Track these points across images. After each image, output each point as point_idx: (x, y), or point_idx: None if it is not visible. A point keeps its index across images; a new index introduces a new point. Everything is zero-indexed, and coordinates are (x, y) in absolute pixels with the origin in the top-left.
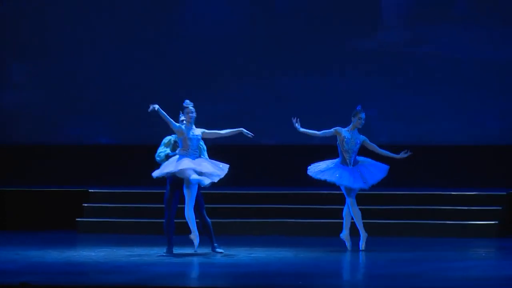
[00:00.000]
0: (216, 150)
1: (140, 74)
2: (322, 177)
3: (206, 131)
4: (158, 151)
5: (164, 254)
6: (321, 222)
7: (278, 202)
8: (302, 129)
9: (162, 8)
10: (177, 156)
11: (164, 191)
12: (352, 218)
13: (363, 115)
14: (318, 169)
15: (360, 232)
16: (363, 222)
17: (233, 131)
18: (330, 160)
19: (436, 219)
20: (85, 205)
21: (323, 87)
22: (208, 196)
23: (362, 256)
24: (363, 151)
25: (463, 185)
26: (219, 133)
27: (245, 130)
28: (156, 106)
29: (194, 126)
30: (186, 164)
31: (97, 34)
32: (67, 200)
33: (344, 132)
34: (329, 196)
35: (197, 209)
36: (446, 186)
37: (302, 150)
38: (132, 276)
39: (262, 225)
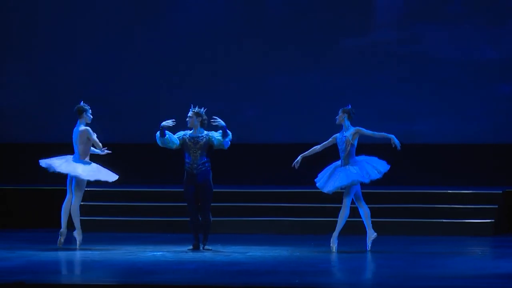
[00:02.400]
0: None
1: (135, 73)
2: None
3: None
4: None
5: (188, 250)
6: (317, 220)
7: (274, 200)
8: (300, 157)
9: (155, 7)
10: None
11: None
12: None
13: (339, 111)
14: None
15: (334, 233)
16: (353, 222)
17: None
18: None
19: (432, 218)
20: (81, 203)
21: (315, 85)
22: None
23: (357, 255)
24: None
25: (459, 184)
26: None
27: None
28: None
29: None
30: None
31: (91, 33)
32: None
33: (338, 134)
34: (325, 195)
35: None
36: (442, 184)
37: (297, 148)
38: (127, 274)
39: (258, 223)
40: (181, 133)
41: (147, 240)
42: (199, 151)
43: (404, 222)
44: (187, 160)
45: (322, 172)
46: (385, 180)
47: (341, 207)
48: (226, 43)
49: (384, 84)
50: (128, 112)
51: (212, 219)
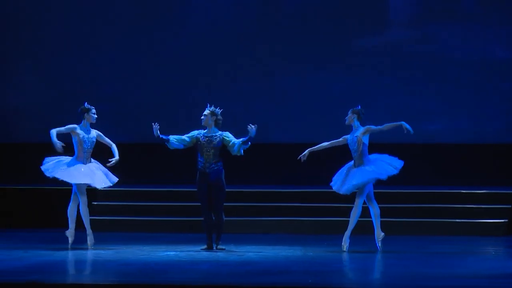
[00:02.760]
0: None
1: (148, 73)
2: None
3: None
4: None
5: (201, 250)
6: (330, 220)
7: (287, 200)
8: (307, 151)
9: (168, 8)
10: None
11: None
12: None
13: (348, 112)
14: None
15: (346, 233)
16: (364, 222)
17: None
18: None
19: (445, 218)
20: (94, 203)
21: (329, 85)
22: None
23: (369, 255)
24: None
25: (472, 184)
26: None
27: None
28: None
29: None
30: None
31: (104, 33)
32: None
33: (348, 135)
34: (338, 194)
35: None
36: (455, 184)
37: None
38: (140, 274)
39: (271, 223)
40: (195, 132)
41: (160, 240)
42: (212, 151)
43: (417, 222)
44: (200, 159)
45: (336, 174)
46: (398, 179)
47: (353, 206)
48: (238, 43)
49: (397, 84)
50: (141, 112)
51: (225, 218)
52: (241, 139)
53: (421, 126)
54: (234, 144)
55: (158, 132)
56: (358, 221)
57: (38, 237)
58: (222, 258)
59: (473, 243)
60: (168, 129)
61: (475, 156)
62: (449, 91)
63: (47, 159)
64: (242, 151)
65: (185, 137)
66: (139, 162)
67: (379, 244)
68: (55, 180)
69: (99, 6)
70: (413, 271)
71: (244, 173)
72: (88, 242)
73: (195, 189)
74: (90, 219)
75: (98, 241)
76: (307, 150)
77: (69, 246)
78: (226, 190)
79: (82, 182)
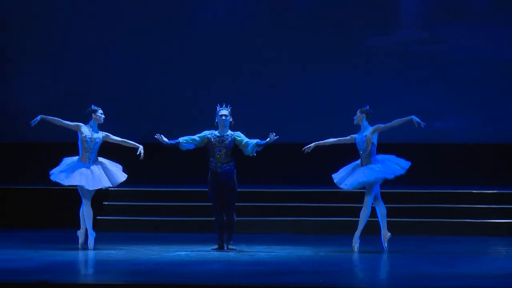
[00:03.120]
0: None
1: (157, 73)
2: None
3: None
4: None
5: (212, 249)
6: (341, 220)
7: (298, 200)
8: (313, 144)
9: (174, 7)
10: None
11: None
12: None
13: (357, 112)
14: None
15: (356, 233)
16: (374, 222)
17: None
18: (354, 163)
19: (455, 218)
20: (105, 203)
21: (339, 85)
22: None
23: (380, 255)
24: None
25: (482, 183)
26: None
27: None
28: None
29: None
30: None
31: (113, 33)
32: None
33: (357, 135)
34: (347, 194)
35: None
36: (466, 184)
37: (321, 148)
38: (151, 275)
39: (282, 223)
40: (206, 132)
41: (170, 240)
42: (224, 150)
43: (427, 222)
44: (211, 159)
45: (341, 169)
46: (408, 179)
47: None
48: (249, 43)
49: (408, 84)
50: (151, 111)
51: (236, 218)
52: (256, 141)
53: (432, 125)
54: (247, 144)
55: (165, 139)
56: (368, 221)
57: (44, 237)
58: (233, 258)
59: (484, 243)
60: (174, 130)
61: (486, 156)
62: (460, 91)
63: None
64: (255, 152)
65: (195, 136)
66: (151, 162)
67: (386, 244)
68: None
69: (106, 6)
70: (423, 271)
71: (255, 173)
72: (89, 243)
73: (207, 189)
74: (101, 219)
75: (108, 241)
76: (313, 144)
77: (79, 246)
78: (239, 190)
79: (73, 184)
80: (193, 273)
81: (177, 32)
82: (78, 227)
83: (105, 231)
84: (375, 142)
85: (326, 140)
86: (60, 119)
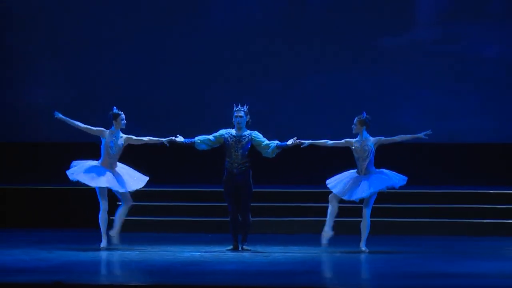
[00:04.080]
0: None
1: (172, 72)
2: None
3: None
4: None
5: (227, 250)
6: (357, 220)
7: (314, 200)
8: (308, 142)
9: (188, 5)
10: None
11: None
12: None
13: (354, 121)
14: (335, 180)
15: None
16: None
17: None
18: (350, 171)
19: (471, 218)
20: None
21: (353, 85)
22: None
23: (393, 255)
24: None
25: (498, 183)
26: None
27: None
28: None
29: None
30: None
31: (122, 32)
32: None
33: (354, 141)
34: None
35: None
36: (482, 184)
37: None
38: (166, 275)
39: (297, 223)
40: (222, 132)
41: (185, 240)
42: (241, 151)
43: (443, 223)
44: (227, 160)
45: (337, 177)
46: (427, 179)
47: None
48: (264, 42)
49: (424, 84)
50: (166, 111)
51: (251, 219)
52: (276, 143)
53: (448, 125)
54: (268, 146)
55: (181, 138)
56: (378, 221)
57: (58, 237)
58: (248, 259)
59: (500, 243)
60: (188, 129)
61: (504, 156)
62: (477, 91)
63: (74, 163)
64: (273, 156)
65: (210, 136)
66: (165, 162)
67: (325, 241)
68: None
69: (119, 5)
70: (440, 272)
71: (271, 173)
72: (101, 245)
73: (222, 189)
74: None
75: (123, 242)
76: (308, 142)
77: (101, 246)
78: (254, 190)
79: (103, 186)
80: (207, 274)
81: (192, 31)
82: (90, 227)
83: (121, 232)
84: (374, 151)
85: (323, 141)
86: (82, 124)
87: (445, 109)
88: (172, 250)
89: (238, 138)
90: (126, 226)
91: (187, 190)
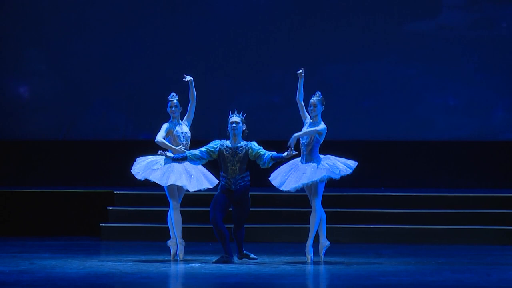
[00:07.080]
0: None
1: (174, 62)
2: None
3: None
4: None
5: (212, 262)
6: (377, 228)
7: (328, 205)
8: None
9: None
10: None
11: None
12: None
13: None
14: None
15: (308, 241)
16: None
17: None
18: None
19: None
20: (110, 208)
21: (376, 74)
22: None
23: (406, 264)
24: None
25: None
26: None
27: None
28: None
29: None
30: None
31: (116, 24)
32: (90, 203)
33: (308, 123)
34: (385, 201)
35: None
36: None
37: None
38: None
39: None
40: (216, 143)
41: (185, 250)
42: (238, 164)
43: (454, 230)
44: (223, 175)
45: (279, 169)
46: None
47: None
48: (282, 29)
49: (452, 73)
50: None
51: (256, 226)
52: (272, 154)
53: (480, 121)
54: (262, 156)
55: (171, 154)
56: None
57: (39, 246)
58: (254, 271)
59: None
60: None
61: None
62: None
63: (138, 159)
64: (268, 165)
65: (203, 153)
66: None
67: (323, 253)
68: (66, 182)
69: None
70: (452, 279)
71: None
72: (178, 252)
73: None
74: (105, 226)
75: (114, 252)
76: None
77: (172, 258)
78: (262, 193)
79: (176, 184)
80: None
81: (200, 21)
82: (76, 235)
83: (111, 240)
84: (320, 140)
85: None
86: (160, 137)
87: (476, 102)
88: (168, 260)
89: (234, 150)
90: (117, 235)
91: (186, 193)
